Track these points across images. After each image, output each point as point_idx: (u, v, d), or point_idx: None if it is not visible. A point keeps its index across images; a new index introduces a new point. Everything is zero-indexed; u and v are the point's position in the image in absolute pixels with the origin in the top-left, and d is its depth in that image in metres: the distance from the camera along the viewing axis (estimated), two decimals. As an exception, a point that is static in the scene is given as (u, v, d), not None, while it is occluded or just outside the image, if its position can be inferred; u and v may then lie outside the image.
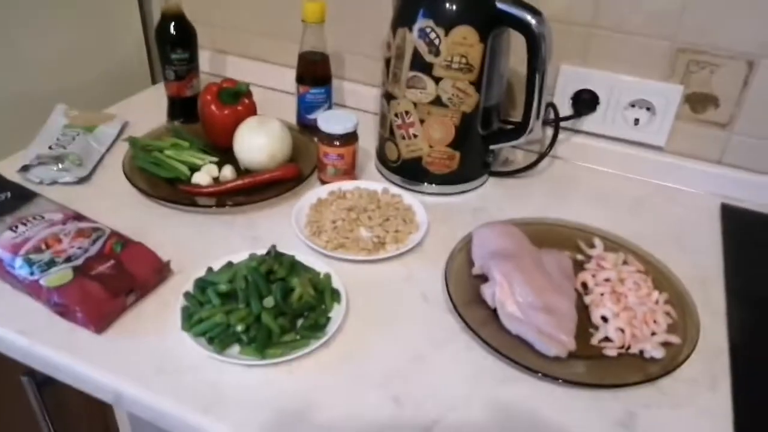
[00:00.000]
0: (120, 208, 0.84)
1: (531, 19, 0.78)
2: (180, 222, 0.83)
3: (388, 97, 0.88)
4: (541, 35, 0.78)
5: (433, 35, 0.79)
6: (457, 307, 0.67)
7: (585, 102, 0.96)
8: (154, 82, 1.27)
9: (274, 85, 1.19)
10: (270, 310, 0.63)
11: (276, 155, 0.90)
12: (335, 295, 0.68)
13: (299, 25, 0.96)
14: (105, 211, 0.82)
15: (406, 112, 0.85)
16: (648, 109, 0.94)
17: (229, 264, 0.72)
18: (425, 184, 0.90)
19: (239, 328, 0.62)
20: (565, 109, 0.98)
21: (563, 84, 0.97)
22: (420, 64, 0.81)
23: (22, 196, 0.78)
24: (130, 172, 0.88)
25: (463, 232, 0.79)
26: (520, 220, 0.81)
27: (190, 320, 0.64)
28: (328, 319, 0.66)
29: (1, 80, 0.98)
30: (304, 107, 1.01)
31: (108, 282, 0.67)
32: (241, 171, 0.91)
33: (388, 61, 0.86)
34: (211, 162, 0.92)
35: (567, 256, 0.76)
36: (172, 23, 0.98)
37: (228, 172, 0.90)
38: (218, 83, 0.95)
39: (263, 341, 0.61)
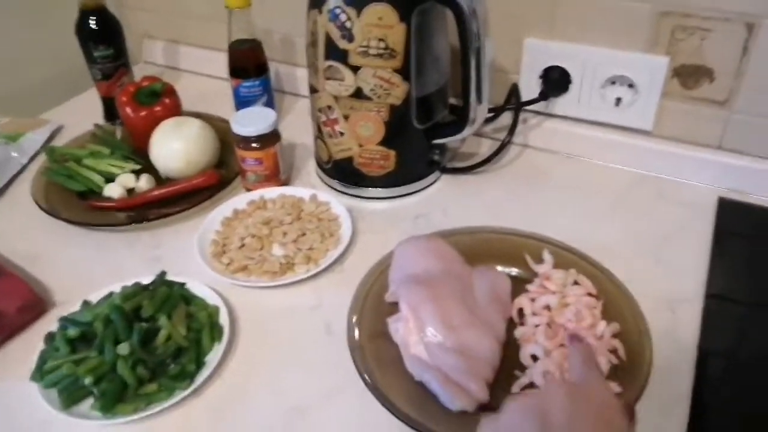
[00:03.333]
0: (23, 228, 0.77)
1: (457, -7, 0.64)
2: (83, 242, 0.75)
3: (312, 90, 0.76)
4: (470, 8, 0.65)
5: (344, 17, 0.67)
6: (355, 345, 0.56)
7: (555, 81, 0.82)
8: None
9: (200, 70, 1.10)
10: (126, 358, 0.54)
11: (193, 162, 0.80)
12: (216, 333, 0.59)
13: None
14: (8, 231, 0.76)
15: (329, 107, 0.74)
16: (630, 86, 0.78)
17: (109, 295, 0.63)
18: (363, 188, 0.78)
19: (87, 380, 0.53)
20: (534, 90, 0.83)
21: (529, 61, 0.83)
22: (335, 52, 0.69)
23: None
24: (41, 188, 0.81)
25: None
26: (460, 230, 0.69)
27: (40, 369, 0.56)
28: (201, 364, 0.56)
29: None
30: (239, 102, 0.91)
31: (-33, 323, 0.60)
32: (162, 180, 0.83)
33: (307, 49, 0.75)
34: (132, 170, 0.83)
35: (505, 276, 0.63)
36: (92, 17, 0.89)
37: (143, 182, 0.81)
38: (137, 82, 0.86)
39: (114, 395, 0.53)
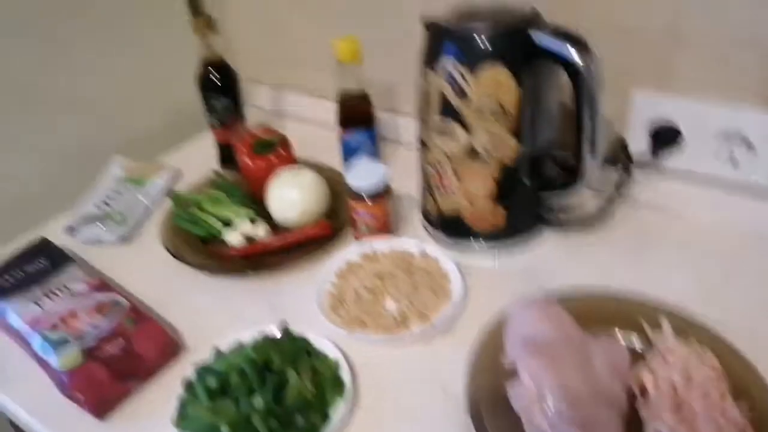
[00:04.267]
0: (153, 270, 0.83)
1: (573, 54, 0.65)
2: (206, 287, 0.80)
3: (422, 144, 0.79)
4: (585, 68, 0.66)
5: (459, 77, 0.69)
6: (474, 409, 0.58)
7: (665, 135, 0.81)
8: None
9: (325, 120, 1.13)
10: (260, 411, 0.58)
11: (308, 211, 0.85)
12: (338, 388, 0.62)
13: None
14: (138, 274, 0.82)
15: (439, 163, 0.76)
16: (745, 141, 0.76)
17: (238, 345, 0.67)
18: (471, 241, 0.80)
19: (225, 430, 0.57)
20: (642, 143, 0.83)
21: (638, 114, 0.82)
22: (448, 110, 0.72)
23: (56, 263, 0.79)
24: (167, 231, 0.87)
25: (507, 304, 0.68)
26: (571, 291, 0.69)
27: (182, 414, 0.60)
28: (326, 418, 0.59)
29: (63, 130, 1.01)
30: (346, 151, 0.95)
31: (115, 365, 0.65)
32: (276, 227, 0.87)
33: (419, 105, 0.77)
34: (247, 217, 0.88)
35: (622, 346, 0.63)
36: (213, 70, 0.96)
37: (260, 230, 0.86)
38: (254, 132, 0.91)
39: (250, 446, 0.56)
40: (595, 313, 0.65)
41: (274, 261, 0.81)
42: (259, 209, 0.89)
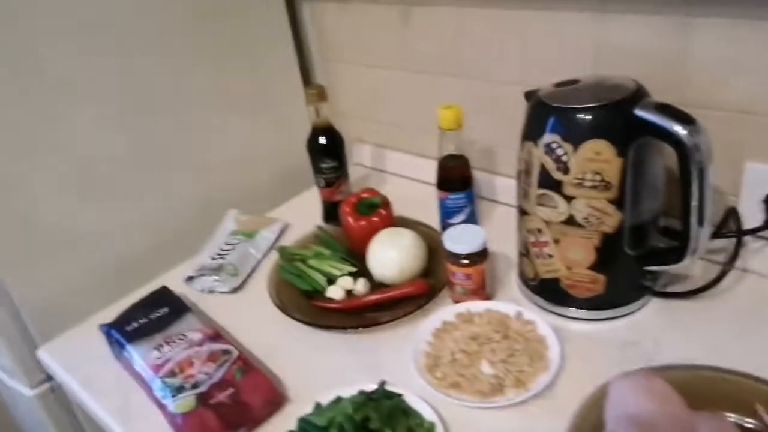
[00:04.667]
0: (260, 321, 0.89)
1: (680, 131, 0.65)
2: (309, 340, 0.84)
3: (521, 211, 0.80)
4: (694, 147, 0.65)
5: (560, 151, 0.71)
6: (572, 488, 0.57)
7: (781, 205, 0.77)
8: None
9: (420, 177, 1.17)
10: (358, 469, 0.60)
11: (406, 270, 0.88)
12: (434, 452, 0.63)
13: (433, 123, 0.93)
14: (246, 324, 0.88)
15: (539, 230, 0.77)
16: None
17: (337, 399, 0.70)
18: (569, 307, 0.79)
19: (326, 485, 0.59)
20: (755, 213, 0.79)
21: (750, 185, 0.79)
22: (548, 182, 0.73)
23: (176, 311, 0.86)
24: (274, 284, 0.93)
25: (606, 374, 0.67)
26: (677, 365, 0.67)
27: (285, 466, 0.63)
28: (421, 482, 0.60)
29: (185, 185, 1.11)
30: (445, 212, 0.97)
31: (224, 413, 0.70)
32: (375, 283, 0.91)
33: (519, 174, 0.79)
34: (348, 272, 0.92)
35: (735, 427, 0.59)
36: (322, 135, 1.02)
37: (360, 286, 0.90)
38: (358, 194, 0.96)
39: (348, 503, 0.58)
40: (701, 392, 0.63)
41: (372, 317, 0.84)
42: (360, 266, 0.93)
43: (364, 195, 0.96)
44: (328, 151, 1.03)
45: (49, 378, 1.01)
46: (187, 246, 1.06)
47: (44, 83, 0.90)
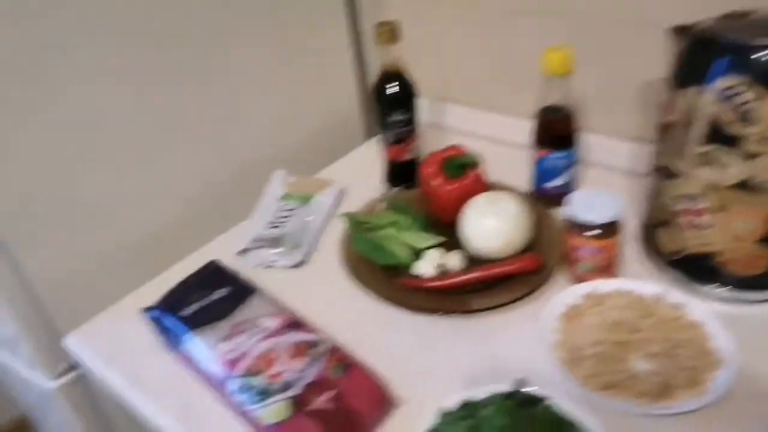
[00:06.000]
0: (336, 299, 0.75)
1: None
2: (401, 323, 0.71)
3: (665, 172, 0.67)
4: None
5: (743, 98, 0.57)
6: None
7: None
8: (367, 138, 1.19)
9: (501, 137, 1.02)
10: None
11: (511, 242, 0.74)
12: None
13: (537, 69, 0.78)
14: (320, 304, 0.74)
15: (694, 196, 0.64)
16: None
17: (466, 406, 0.57)
18: (713, 286, 0.67)
19: None
20: None
21: None
22: (721, 136, 0.59)
23: (239, 292, 0.71)
24: (348, 258, 0.78)
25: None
26: None
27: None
28: None
29: (222, 147, 0.95)
30: (542, 174, 0.83)
31: (327, 422, 0.56)
32: (468, 257, 0.77)
33: (664, 127, 0.65)
34: (436, 245, 0.79)
35: None
36: (393, 82, 0.87)
37: (455, 260, 0.76)
38: (442, 152, 0.82)
39: None
40: None
41: (472, 298, 0.71)
42: (447, 237, 0.79)
43: (451, 153, 0.81)
44: (399, 102, 0.87)
45: (72, 368, 0.85)
46: (225, 214, 0.90)
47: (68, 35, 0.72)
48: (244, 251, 0.82)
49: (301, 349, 0.63)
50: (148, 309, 0.71)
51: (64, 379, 0.85)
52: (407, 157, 0.91)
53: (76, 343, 0.76)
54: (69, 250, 0.80)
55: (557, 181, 0.83)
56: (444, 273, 0.75)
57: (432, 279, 0.74)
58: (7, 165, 0.72)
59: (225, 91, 0.92)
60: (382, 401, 0.60)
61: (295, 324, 0.67)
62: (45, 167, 0.76)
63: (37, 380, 0.85)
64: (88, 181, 0.80)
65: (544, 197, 0.84)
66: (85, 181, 0.79)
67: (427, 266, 0.76)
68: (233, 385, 0.60)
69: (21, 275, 0.76)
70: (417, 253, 0.78)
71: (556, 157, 0.81)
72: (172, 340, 0.68)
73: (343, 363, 0.61)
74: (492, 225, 0.74)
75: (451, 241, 0.78)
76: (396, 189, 0.92)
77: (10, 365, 0.90)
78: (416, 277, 0.75)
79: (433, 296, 0.72)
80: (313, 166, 1.04)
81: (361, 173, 0.99)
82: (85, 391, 0.87)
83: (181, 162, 0.90)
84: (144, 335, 0.72)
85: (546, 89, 0.79)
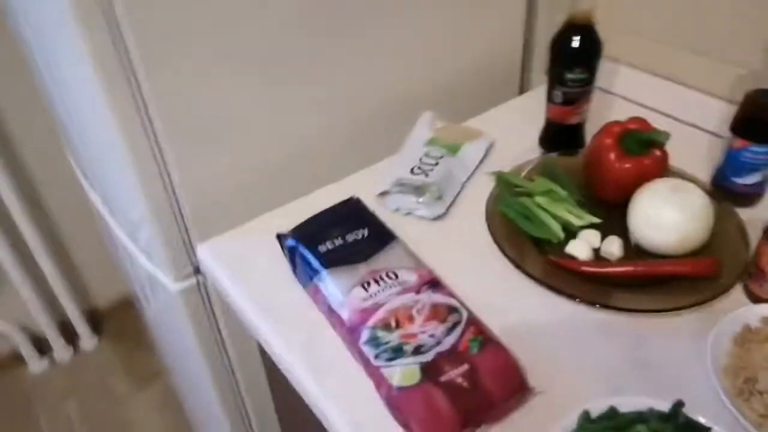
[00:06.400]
0: (474, 263, 0.70)
1: None
2: (544, 305, 0.64)
3: None
4: None
5: None
6: None
7: None
8: (521, 91, 1.10)
9: (685, 116, 0.89)
10: None
11: (688, 239, 0.65)
12: None
13: (750, 44, 0.65)
14: (457, 265, 0.69)
15: None
16: None
17: (613, 416, 0.51)
18: None
19: None
20: None
21: None
22: None
23: (379, 237, 0.68)
24: (492, 221, 0.72)
25: None
26: None
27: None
28: None
29: (373, 78, 0.90)
30: (734, 167, 0.72)
31: (458, 398, 0.52)
32: (629, 246, 0.69)
33: None
34: (591, 225, 0.71)
35: None
36: (578, 35, 0.77)
37: (614, 247, 0.68)
38: (624, 123, 0.72)
39: None
40: None
41: (630, 295, 0.63)
42: (607, 220, 0.71)
43: (634, 126, 0.71)
44: (581, 58, 0.78)
45: (196, 272, 0.87)
46: (366, 149, 0.86)
47: None
48: (385, 194, 0.78)
49: (439, 313, 0.58)
50: (284, 236, 0.69)
51: (186, 284, 0.87)
52: (574, 120, 0.82)
53: (206, 254, 0.76)
54: (215, 163, 0.80)
55: (751, 178, 0.71)
56: (598, 259, 0.68)
57: (587, 263, 0.67)
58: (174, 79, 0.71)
59: (379, 17, 0.86)
60: (518, 387, 0.54)
61: (434, 283, 0.62)
62: (203, 84, 0.74)
63: (162, 279, 0.88)
64: (243, 96, 0.78)
65: (730, 194, 0.73)
66: (240, 96, 0.78)
67: (582, 248, 0.68)
68: (363, 335, 0.57)
69: (168, 180, 0.77)
70: (568, 230, 0.71)
71: (757, 151, 0.70)
72: (304, 272, 0.66)
73: (481, 337, 0.57)
74: (671, 216, 0.65)
75: (607, 224, 0.70)
76: (552, 154, 0.84)
77: (138, 258, 0.94)
78: (568, 257, 0.68)
79: (585, 283, 0.65)
80: (461, 113, 0.96)
81: (513, 129, 0.91)
82: (204, 299, 0.89)
83: (333, 87, 0.86)
84: (273, 259, 0.71)
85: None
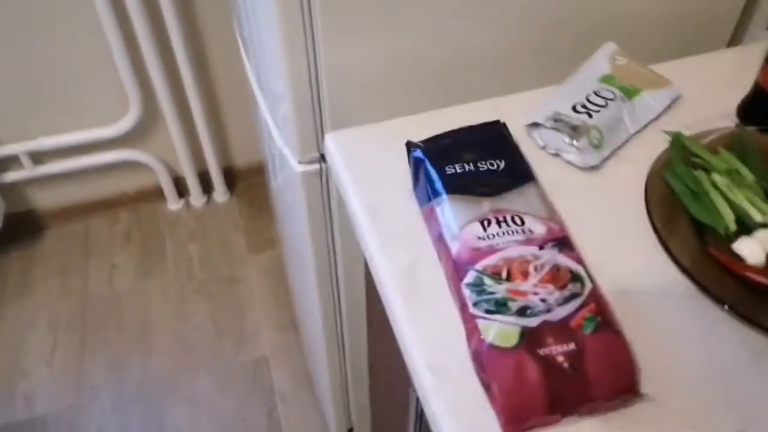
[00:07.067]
0: (616, 232, 0.60)
1: None
2: (682, 297, 0.55)
3: None
4: None
5: None
6: None
7: None
8: (731, 43, 0.91)
9: None
10: None
11: None
12: None
13: None
14: (595, 228, 0.60)
15: None
16: None
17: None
18: None
19: None
20: None
21: None
22: None
23: (515, 173, 0.60)
24: (653, 189, 0.61)
25: None
26: None
27: None
28: None
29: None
30: None
31: (554, 378, 0.46)
32: (818, 262, 0.55)
33: None
34: (774, 224, 0.58)
35: None
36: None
37: (799, 258, 0.55)
38: None
39: None
40: None
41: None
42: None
43: None
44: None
45: (321, 159, 0.85)
46: (530, 73, 0.76)
47: None
48: (535, 125, 0.68)
49: (560, 277, 0.51)
50: (414, 146, 0.63)
51: (310, 168, 0.85)
52: (793, 92, 0.66)
53: (333, 143, 0.72)
54: (364, 52, 0.75)
55: None
56: (771, 265, 0.56)
57: (756, 270, 0.55)
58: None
59: None
60: (627, 388, 0.47)
61: (563, 242, 0.54)
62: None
63: (288, 158, 0.86)
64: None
65: None
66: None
67: (755, 249, 0.56)
68: (468, 276, 0.52)
69: (312, 57, 0.73)
70: (743, 225, 0.58)
71: None
72: (423, 190, 0.60)
73: (600, 318, 0.49)
74: None
75: (804, 229, 0.57)
76: (751, 128, 0.69)
77: (273, 131, 0.93)
78: (733, 255, 0.57)
79: (745, 291, 0.54)
80: (650, 53, 0.82)
81: (709, 87, 0.76)
82: (323, 189, 0.87)
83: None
84: (398, 169, 0.66)
85: None
